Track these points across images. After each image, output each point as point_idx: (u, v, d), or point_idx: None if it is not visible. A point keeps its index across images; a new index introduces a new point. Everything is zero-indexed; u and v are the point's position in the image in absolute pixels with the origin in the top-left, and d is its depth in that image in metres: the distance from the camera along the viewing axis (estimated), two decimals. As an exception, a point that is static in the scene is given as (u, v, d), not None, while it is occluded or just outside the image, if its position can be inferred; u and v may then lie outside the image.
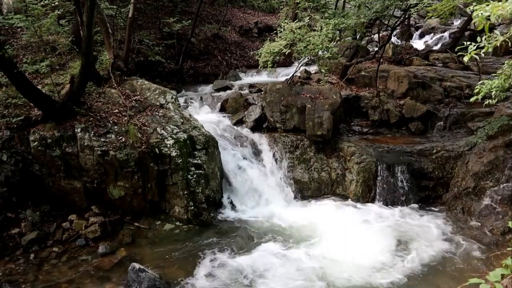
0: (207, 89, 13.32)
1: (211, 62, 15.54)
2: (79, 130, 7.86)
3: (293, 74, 11.79)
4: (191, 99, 11.91)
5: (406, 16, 14.39)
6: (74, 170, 7.90)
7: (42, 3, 8.55)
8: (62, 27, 10.39)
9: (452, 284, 6.22)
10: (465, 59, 3.73)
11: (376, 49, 13.48)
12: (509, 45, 3.72)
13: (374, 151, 9.56)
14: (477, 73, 11.36)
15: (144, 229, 7.94)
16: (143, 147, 7.96)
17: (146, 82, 9.95)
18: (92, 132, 7.88)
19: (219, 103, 11.35)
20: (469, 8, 3.72)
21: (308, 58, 11.22)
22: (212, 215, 8.42)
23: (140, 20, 14.42)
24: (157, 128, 8.41)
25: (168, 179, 8.18)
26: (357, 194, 9.21)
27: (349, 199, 9.23)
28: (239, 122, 10.63)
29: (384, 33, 14.92)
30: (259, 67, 10.52)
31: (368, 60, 12.98)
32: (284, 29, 9.88)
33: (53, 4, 8.63)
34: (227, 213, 8.75)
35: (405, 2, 9.77)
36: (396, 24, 12.37)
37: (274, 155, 9.67)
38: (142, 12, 14.81)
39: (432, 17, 7.64)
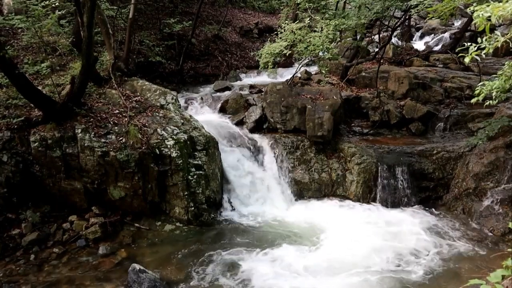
0: (207, 89, 13.33)
1: (212, 62, 15.55)
2: (79, 130, 7.85)
3: (294, 75, 11.79)
4: (191, 99, 11.93)
5: (407, 17, 14.40)
6: (75, 170, 7.90)
7: (42, 4, 8.55)
8: (63, 28, 10.41)
9: (453, 284, 6.21)
10: (466, 60, 3.72)
11: (376, 50, 13.49)
12: (510, 46, 3.71)
13: (374, 152, 9.55)
14: (478, 74, 11.38)
15: (144, 230, 7.94)
16: (143, 147, 7.96)
17: (147, 82, 9.96)
18: (93, 133, 7.88)
19: (220, 104, 11.34)
20: (470, 9, 3.71)
21: (308, 59, 11.23)
22: (212, 215, 8.42)
23: (141, 21, 14.42)
24: (158, 129, 8.41)
25: (169, 180, 8.17)
26: (358, 195, 9.20)
27: (350, 200, 9.23)
28: (240, 123, 10.63)
29: (385, 34, 14.91)
30: (259, 68, 10.52)
31: (368, 61, 12.99)
32: (284, 30, 9.88)
33: (53, 5, 8.63)
34: (227, 214, 8.75)
35: (405, 3, 9.77)
36: (396, 25, 12.38)
37: (274, 156, 9.66)
38: (142, 13, 14.82)
39: (433, 18, 7.65)
